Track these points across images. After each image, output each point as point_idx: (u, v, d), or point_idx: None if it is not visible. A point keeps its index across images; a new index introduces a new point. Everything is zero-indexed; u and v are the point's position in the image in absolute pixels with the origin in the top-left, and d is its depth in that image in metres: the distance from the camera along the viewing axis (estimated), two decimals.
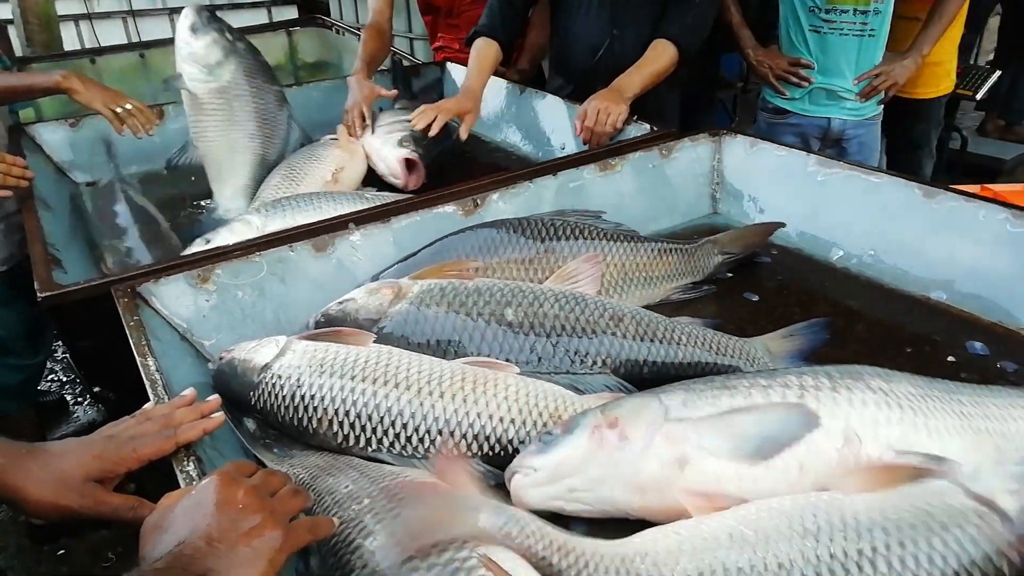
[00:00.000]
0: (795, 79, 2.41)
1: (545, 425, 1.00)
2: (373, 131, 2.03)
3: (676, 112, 2.34)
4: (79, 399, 2.90)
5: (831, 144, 2.47)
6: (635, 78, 1.95)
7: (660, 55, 1.97)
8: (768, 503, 0.81)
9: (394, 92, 2.27)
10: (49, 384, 2.94)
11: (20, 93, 1.93)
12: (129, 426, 0.86)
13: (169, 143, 2.15)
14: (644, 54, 1.98)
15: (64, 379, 3.02)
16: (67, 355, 3.00)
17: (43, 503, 0.77)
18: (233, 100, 1.87)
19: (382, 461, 1.00)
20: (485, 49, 2.12)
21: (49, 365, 2.91)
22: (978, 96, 2.93)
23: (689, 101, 2.50)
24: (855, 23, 2.30)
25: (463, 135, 1.97)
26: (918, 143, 2.82)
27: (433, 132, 1.88)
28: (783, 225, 1.57)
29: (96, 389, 2.61)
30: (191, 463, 0.84)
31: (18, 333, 1.99)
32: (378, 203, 1.60)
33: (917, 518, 0.77)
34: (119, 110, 1.85)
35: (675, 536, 0.80)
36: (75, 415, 2.82)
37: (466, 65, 2.26)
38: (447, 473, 0.90)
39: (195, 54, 1.80)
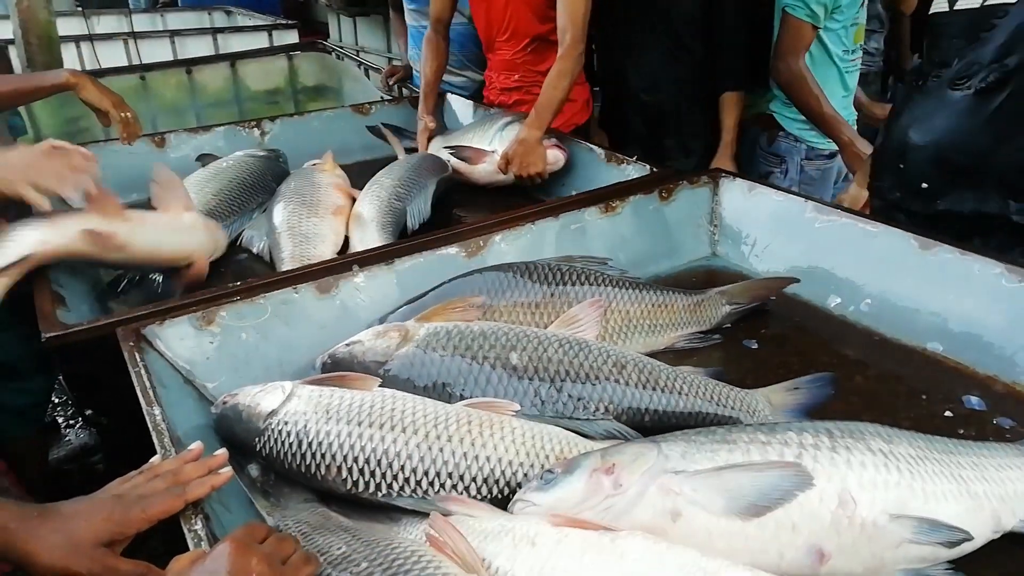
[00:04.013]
0: None
1: None
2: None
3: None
4: (71, 421, 2.88)
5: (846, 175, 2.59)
6: (724, 133, 2.34)
7: (732, 107, 2.34)
8: None
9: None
10: None
11: (27, 93, 1.96)
12: (137, 484, 0.86)
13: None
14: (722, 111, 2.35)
15: (56, 400, 2.99)
16: (59, 377, 2.97)
17: (53, 569, 0.77)
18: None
19: (394, 506, 1.01)
20: None
21: None
22: None
23: None
24: (861, 57, 2.46)
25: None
26: None
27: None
28: (797, 280, 1.56)
29: (88, 412, 2.58)
30: (199, 522, 0.84)
31: (21, 356, 1.97)
32: None
33: None
34: (123, 115, 1.91)
35: None
36: (67, 438, 2.79)
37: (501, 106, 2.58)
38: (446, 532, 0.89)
39: None
